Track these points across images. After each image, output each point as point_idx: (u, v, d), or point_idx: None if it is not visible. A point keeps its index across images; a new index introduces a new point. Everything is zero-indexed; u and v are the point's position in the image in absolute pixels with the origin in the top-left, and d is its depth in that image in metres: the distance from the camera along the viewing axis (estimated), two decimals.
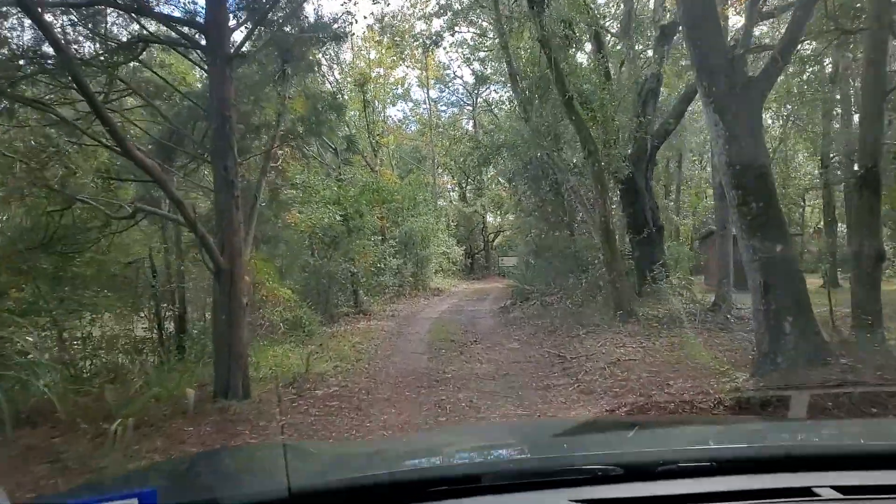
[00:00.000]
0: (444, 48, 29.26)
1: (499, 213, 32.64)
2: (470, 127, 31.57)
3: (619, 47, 14.04)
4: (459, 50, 26.29)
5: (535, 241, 16.28)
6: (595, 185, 10.52)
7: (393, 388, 6.80)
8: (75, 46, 5.71)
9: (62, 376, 7.83)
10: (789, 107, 16.80)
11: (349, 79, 22.81)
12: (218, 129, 5.51)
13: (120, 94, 6.28)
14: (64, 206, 7.37)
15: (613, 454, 1.39)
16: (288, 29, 6.44)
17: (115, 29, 6.02)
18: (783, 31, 6.02)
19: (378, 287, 16.98)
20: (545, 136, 12.32)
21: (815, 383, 4.09)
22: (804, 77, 13.56)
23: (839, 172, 17.57)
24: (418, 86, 31.26)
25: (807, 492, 1.14)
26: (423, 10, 19.86)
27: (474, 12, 17.89)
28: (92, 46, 5.91)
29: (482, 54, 26.11)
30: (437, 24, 17.92)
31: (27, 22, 4.99)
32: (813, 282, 9.54)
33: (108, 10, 5.71)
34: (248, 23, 6.11)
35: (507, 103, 27.03)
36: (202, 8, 5.99)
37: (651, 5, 14.73)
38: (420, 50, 23.55)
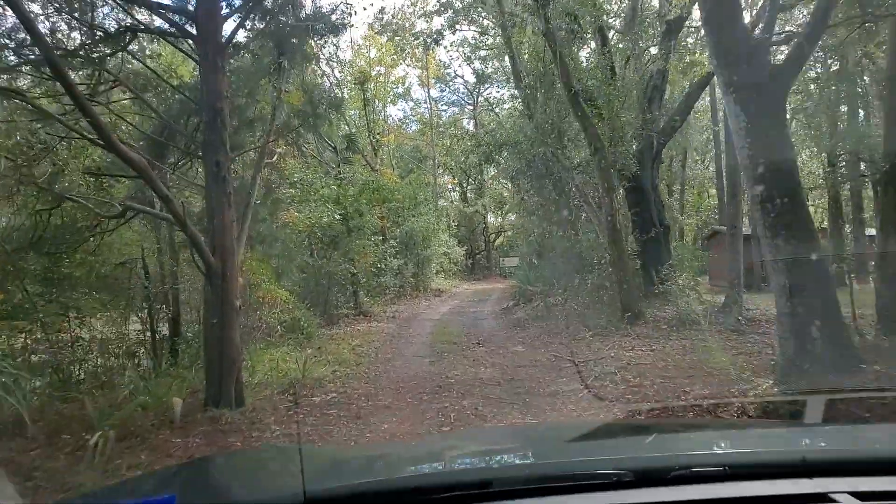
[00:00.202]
0: (445, 47, 28.99)
1: (500, 213, 32.36)
2: (471, 126, 31.34)
3: (623, 44, 13.77)
4: (460, 49, 26.10)
5: (539, 241, 15.99)
6: (601, 182, 10.23)
7: (394, 394, 6.51)
8: (58, 35, 5.42)
9: (51, 381, 7.58)
10: (791, 105, 16.49)
11: (349, 77, 22.56)
12: (209, 123, 5.22)
13: (108, 87, 5.97)
14: (52, 206, 7.10)
15: (626, 459, 1.38)
16: (283, 19, 6.14)
17: (102, 18, 5.72)
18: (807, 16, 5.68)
19: (378, 288, 16.70)
20: (549, 133, 12.04)
21: (848, 389, 3.81)
22: (818, 71, 13.25)
23: (844, 171, 17.27)
24: (419, 85, 31.04)
25: (824, 497, 1.13)
26: (423, 7, 19.62)
27: (475, 10, 17.64)
28: (78, 37, 5.60)
29: (483, 53, 25.91)
30: (437, 21, 17.68)
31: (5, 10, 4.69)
32: None
33: None
34: (241, 11, 5.82)
35: (508, 102, 26.92)
36: None
37: (656, 1, 14.43)
38: (421, 48, 23.33)
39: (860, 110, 16.80)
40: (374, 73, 24.68)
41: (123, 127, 7.51)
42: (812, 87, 14.31)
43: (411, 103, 32.95)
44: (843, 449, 1.54)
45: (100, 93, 5.82)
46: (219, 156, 5.19)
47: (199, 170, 7.14)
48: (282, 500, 1.20)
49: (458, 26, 18.25)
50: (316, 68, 7.67)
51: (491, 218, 32.60)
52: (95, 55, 5.59)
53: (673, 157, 24.09)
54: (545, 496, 1.19)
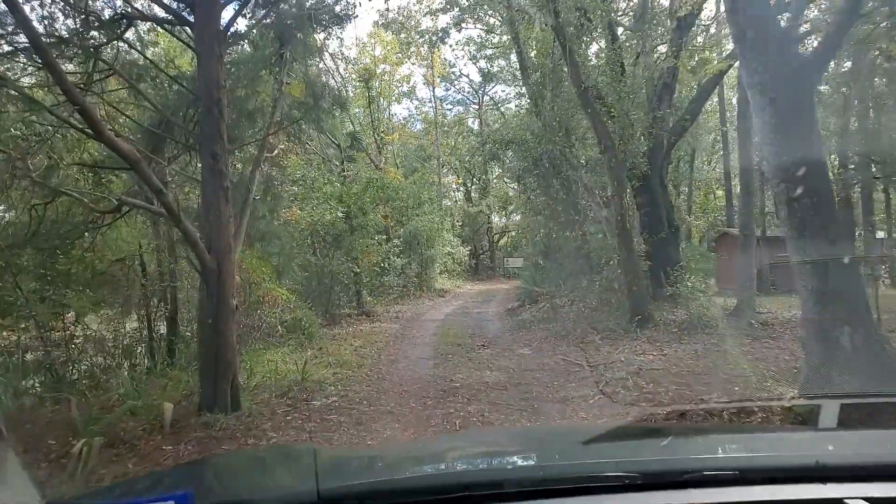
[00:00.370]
0: (451, 45, 28.69)
1: (504, 213, 32.09)
2: (476, 126, 31.10)
3: (632, 42, 13.49)
4: (466, 48, 25.87)
5: (545, 242, 15.73)
6: (611, 181, 9.96)
7: (397, 398, 6.26)
8: (51, 22, 5.20)
9: (44, 381, 7.38)
10: None
11: (353, 75, 22.35)
12: (206, 113, 4.99)
13: (103, 77, 5.75)
14: (47, 200, 6.90)
15: (636, 462, 1.39)
16: (285, 7, 5.91)
17: (97, 4, 5.49)
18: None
19: (382, 287, 16.48)
20: (557, 130, 11.78)
21: (865, 394, 3.56)
22: (827, 72, 12.91)
23: (855, 172, 16.94)
24: (424, 84, 30.83)
25: (838, 503, 1.13)
26: (428, 6, 19.39)
27: (481, 8, 17.40)
28: (72, 24, 5.37)
29: (489, 51, 25.67)
30: (443, 20, 17.46)
31: None
32: None
33: None
34: None
35: (514, 101, 26.67)
36: None
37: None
38: (426, 47, 23.09)
39: (871, 111, 16.46)
40: (379, 71, 24.46)
41: (122, 120, 7.33)
42: (823, 87, 13.98)
43: (416, 102, 32.71)
44: (859, 454, 1.50)
45: (94, 82, 5.59)
46: (215, 147, 4.95)
47: (199, 164, 6.93)
48: (296, 497, 1.22)
49: (463, 24, 18.03)
50: (319, 61, 7.42)
51: (495, 218, 32.34)
52: (90, 44, 5.36)
53: (680, 157, 23.78)
54: (556, 498, 1.20)
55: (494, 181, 30.49)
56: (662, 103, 12.42)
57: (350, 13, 6.90)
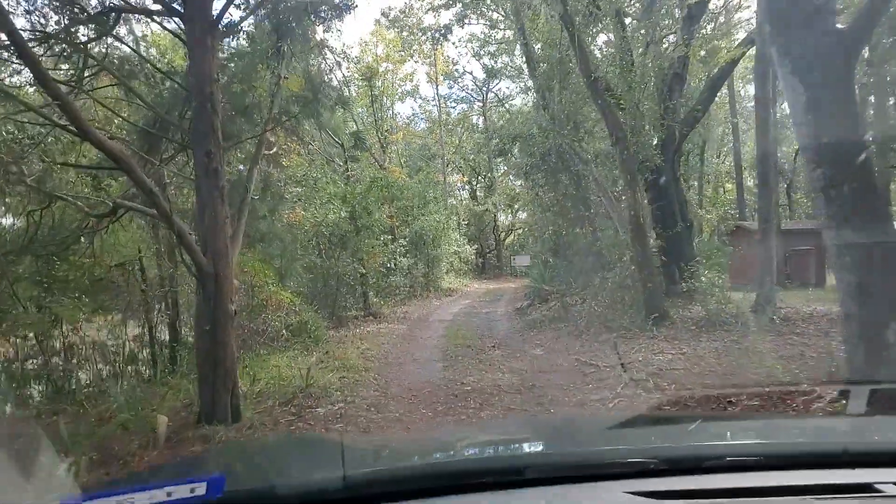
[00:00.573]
0: (454, 43, 28.40)
1: (510, 211, 31.74)
2: (480, 123, 30.78)
3: (641, 32, 13.13)
4: (469, 45, 25.57)
5: (554, 239, 15.39)
6: (623, 175, 9.63)
7: (405, 404, 5.98)
8: (36, 17, 4.96)
9: (43, 391, 7.17)
10: None
11: (356, 74, 22.10)
12: (199, 110, 4.73)
13: (92, 74, 5.50)
14: (44, 205, 6.68)
15: (658, 448, 1.40)
16: None
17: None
18: None
19: (388, 288, 16.23)
20: (565, 124, 11.45)
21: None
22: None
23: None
24: (427, 82, 30.55)
25: (867, 488, 1.10)
26: (430, 2, 19.07)
27: (484, 3, 17.07)
28: (57, 18, 5.12)
29: (492, 48, 25.33)
30: (445, 16, 17.17)
31: None
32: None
33: None
34: None
35: (518, 97, 26.33)
36: None
37: None
38: (429, 44, 22.81)
39: (890, 96, 15.96)
40: (381, 70, 24.20)
41: (117, 121, 7.10)
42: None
43: (420, 101, 32.43)
44: (888, 440, 1.47)
45: (84, 79, 5.34)
46: (209, 145, 4.69)
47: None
48: (323, 482, 1.23)
49: (466, 20, 17.72)
50: (319, 56, 7.15)
51: (501, 216, 32.00)
52: (78, 39, 5.11)
53: (690, 150, 23.35)
54: (578, 483, 1.20)
55: (501, 178, 30.16)
56: (673, 94, 12.04)
57: (350, 4, 6.62)
